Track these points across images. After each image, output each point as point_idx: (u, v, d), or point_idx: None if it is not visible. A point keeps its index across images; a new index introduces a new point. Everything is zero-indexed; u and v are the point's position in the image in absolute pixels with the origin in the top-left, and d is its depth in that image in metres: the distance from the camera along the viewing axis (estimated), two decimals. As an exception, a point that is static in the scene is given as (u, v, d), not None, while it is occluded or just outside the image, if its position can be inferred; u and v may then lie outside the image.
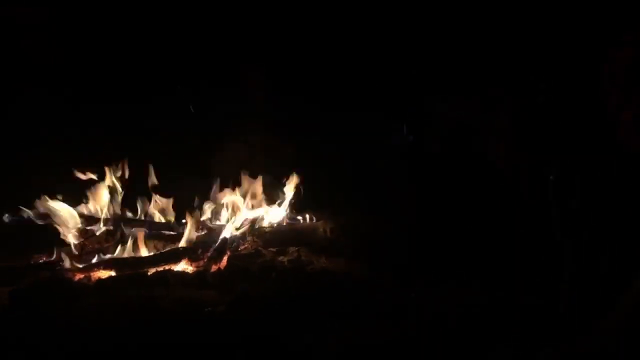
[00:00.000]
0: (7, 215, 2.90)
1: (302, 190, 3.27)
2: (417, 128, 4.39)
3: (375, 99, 3.99)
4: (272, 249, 2.91)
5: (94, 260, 2.69)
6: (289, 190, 3.24)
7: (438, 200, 3.27)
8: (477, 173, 3.22)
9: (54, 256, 2.72)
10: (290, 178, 3.26)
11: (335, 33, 3.80)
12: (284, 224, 3.17)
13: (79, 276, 2.57)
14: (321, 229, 3.06)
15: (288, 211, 3.20)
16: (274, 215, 3.16)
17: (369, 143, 4.51)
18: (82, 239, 2.84)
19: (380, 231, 3.07)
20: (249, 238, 2.95)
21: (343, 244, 2.98)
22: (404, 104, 4.06)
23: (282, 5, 3.75)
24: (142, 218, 3.05)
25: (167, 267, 2.69)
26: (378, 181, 3.89)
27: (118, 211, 3.01)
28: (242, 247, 2.92)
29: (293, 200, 3.21)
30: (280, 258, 2.83)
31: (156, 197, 3.07)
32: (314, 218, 3.21)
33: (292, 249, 2.92)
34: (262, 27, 3.75)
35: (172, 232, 3.00)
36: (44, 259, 2.77)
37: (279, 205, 3.21)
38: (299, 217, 3.22)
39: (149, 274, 2.60)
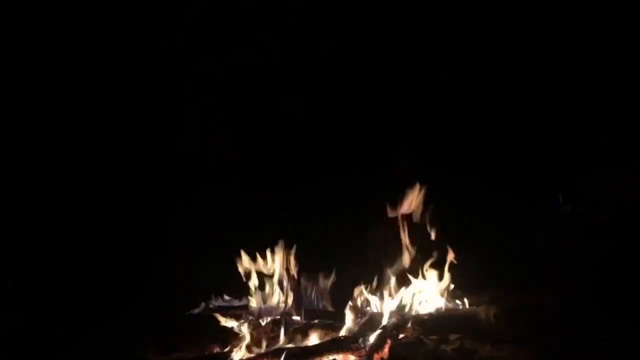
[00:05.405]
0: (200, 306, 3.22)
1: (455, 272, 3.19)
2: (574, 197, 4.12)
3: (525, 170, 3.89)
4: (433, 337, 2.83)
5: (262, 351, 2.81)
6: (445, 272, 3.16)
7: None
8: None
9: (227, 347, 2.88)
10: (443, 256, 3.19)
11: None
12: (443, 309, 3.08)
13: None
14: (483, 314, 2.94)
15: (446, 295, 3.12)
16: (432, 300, 3.09)
17: (519, 216, 4.30)
18: (250, 330, 2.97)
19: (549, 314, 2.88)
20: (408, 326, 2.90)
21: (509, 330, 2.83)
22: (560, 174, 3.88)
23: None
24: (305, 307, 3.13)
25: (330, 357, 2.73)
26: (536, 257, 3.67)
27: (283, 300, 3.13)
28: (402, 336, 2.87)
29: (450, 283, 3.13)
30: (443, 347, 2.75)
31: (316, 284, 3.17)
32: (474, 302, 3.09)
33: (454, 336, 2.81)
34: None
35: (330, 321, 3.04)
36: (217, 349, 2.93)
37: (437, 288, 3.14)
38: (458, 302, 3.12)
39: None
